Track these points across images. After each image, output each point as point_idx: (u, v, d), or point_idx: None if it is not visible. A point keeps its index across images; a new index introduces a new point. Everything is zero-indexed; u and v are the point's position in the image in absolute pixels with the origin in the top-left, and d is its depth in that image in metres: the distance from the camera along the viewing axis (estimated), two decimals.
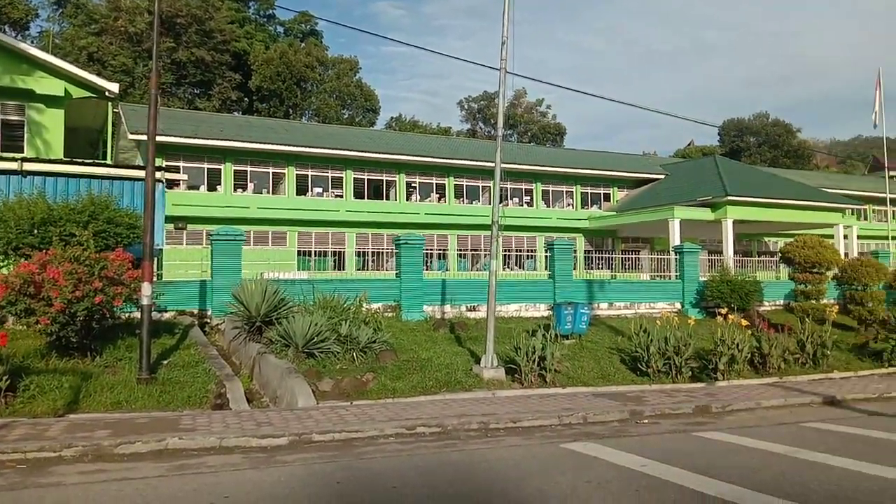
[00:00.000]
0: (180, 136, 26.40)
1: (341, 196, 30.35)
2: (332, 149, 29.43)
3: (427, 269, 23.57)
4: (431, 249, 26.50)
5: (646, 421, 10.16)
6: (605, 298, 19.36)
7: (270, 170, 29.27)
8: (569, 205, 34.86)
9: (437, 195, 32.56)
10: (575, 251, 30.00)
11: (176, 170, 24.87)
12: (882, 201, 40.58)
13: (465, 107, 67.42)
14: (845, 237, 32.82)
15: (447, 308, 17.45)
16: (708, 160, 37.70)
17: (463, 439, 8.88)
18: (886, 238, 38.91)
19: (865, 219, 43.01)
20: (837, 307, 19.88)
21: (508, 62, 14.00)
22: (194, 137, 26.84)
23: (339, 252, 27.39)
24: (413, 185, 32.08)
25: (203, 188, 28.17)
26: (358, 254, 28.94)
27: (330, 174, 30.27)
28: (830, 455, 7.71)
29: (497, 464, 7.55)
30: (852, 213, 36.80)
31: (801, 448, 8.09)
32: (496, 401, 11.33)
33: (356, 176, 30.66)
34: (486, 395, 11.80)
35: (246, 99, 52.00)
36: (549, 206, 34.39)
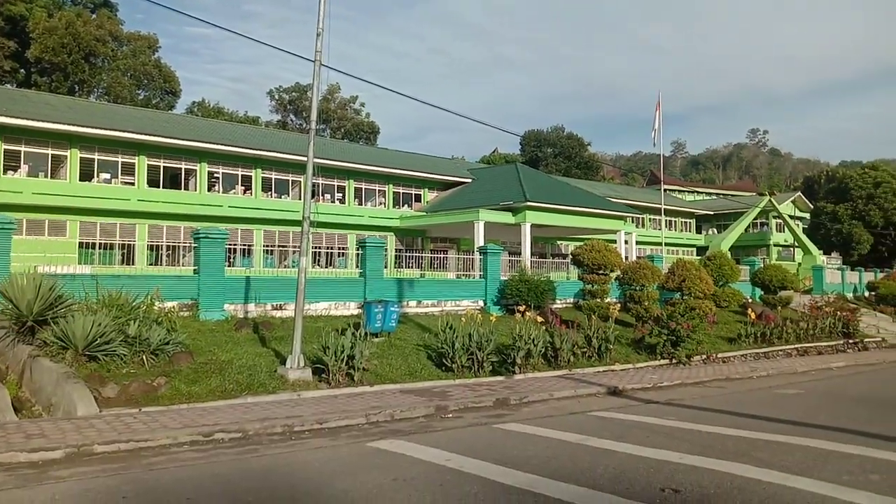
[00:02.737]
0: None
1: (133, 184, 27.84)
2: (124, 131, 26.91)
3: (230, 266, 22.40)
4: (235, 245, 25.26)
5: (450, 415, 10.41)
6: (415, 297, 19.65)
7: (49, 151, 26.08)
8: (381, 203, 35.05)
9: (243, 187, 31.08)
10: (386, 250, 30.29)
11: None
12: (657, 211, 45.66)
13: (276, 97, 65.30)
14: (626, 242, 36.38)
15: (251, 307, 16.66)
16: (510, 167, 39.87)
17: (266, 444, 8.47)
18: (660, 244, 43.81)
19: (643, 226, 48.09)
20: (619, 305, 21.91)
21: (323, 55, 13.74)
22: None
23: (129, 245, 25.12)
24: (216, 175, 30.33)
25: None
26: (151, 248, 26.73)
27: (120, 159, 27.65)
28: (614, 441, 8.39)
29: (301, 467, 7.27)
30: (632, 221, 40.88)
31: (590, 436, 8.72)
32: (302, 402, 10.98)
33: (151, 162, 28.31)
34: (291, 396, 11.39)
35: (22, 70, 46.00)
36: (361, 204, 34.32)
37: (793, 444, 8.24)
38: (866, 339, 25.67)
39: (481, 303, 21.18)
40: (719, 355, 19.27)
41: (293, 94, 63.75)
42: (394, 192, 35.32)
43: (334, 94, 64.07)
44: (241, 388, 11.44)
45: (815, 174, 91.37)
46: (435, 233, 35.45)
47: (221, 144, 29.51)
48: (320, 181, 32.52)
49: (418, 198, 36.42)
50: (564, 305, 23.06)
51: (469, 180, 37.49)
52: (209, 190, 30.02)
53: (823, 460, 7.46)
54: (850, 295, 37.26)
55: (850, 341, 24.67)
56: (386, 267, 24.42)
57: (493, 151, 75.72)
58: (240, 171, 30.81)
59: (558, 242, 41.70)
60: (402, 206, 35.68)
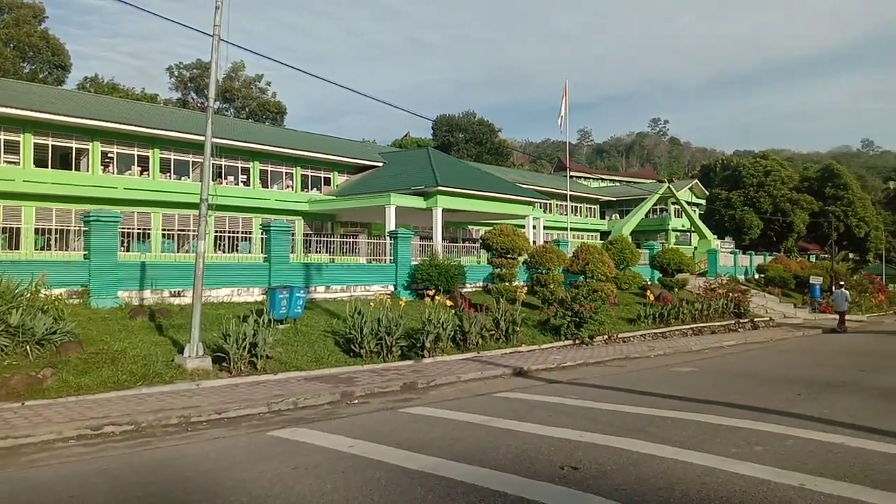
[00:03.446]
0: None
1: (17, 163, 25.87)
2: (7, 106, 24.90)
3: (126, 251, 21.25)
4: (131, 228, 23.94)
5: (356, 401, 10.27)
6: (323, 282, 19.29)
7: None
8: (288, 186, 34.14)
9: (140, 168, 29.50)
10: (294, 234, 29.54)
11: None
12: (564, 197, 46.80)
13: (176, 74, 62.28)
14: (534, 227, 37.04)
15: (147, 293, 15.87)
16: (422, 152, 39.77)
17: (160, 436, 8.08)
18: (566, 229, 44.96)
19: (551, 212, 49.17)
20: (526, 288, 22.31)
21: (223, 30, 13.17)
22: None
23: (13, 229, 23.37)
24: (110, 155, 28.63)
25: None
26: (39, 231, 24.99)
27: (3, 136, 25.63)
28: (518, 421, 8.51)
29: (197, 459, 6.97)
30: (541, 207, 41.67)
31: (494, 417, 8.81)
32: (200, 392, 10.55)
33: (38, 141, 26.38)
34: (189, 386, 10.92)
35: None
36: (267, 187, 33.28)
37: (686, 420, 8.61)
38: (756, 319, 27.32)
39: (391, 288, 21.05)
40: (620, 335, 19.98)
41: (194, 71, 60.99)
42: (302, 175, 34.47)
43: (238, 72, 61.79)
44: (135, 379, 10.89)
45: (712, 162, 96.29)
46: (345, 217, 34.93)
47: (116, 122, 27.85)
48: (223, 162, 31.33)
49: (328, 181, 35.73)
50: (474, 289, 23.27)
51: (380, 164, 37.11)
52: (103, 171, 28.33)
53: (713, 434, 7.82)
54: (741, 277, 39.53)
55: (741, 321, 26.19)
56: (294, 252, 23.88)
57: (406, 135, 75.45)
58: (136, 151, 29.21)
59: (469, 227, 42.04)
60: (311, 189, 34.91)
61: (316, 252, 24.48)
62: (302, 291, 15.54)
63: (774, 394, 10.96)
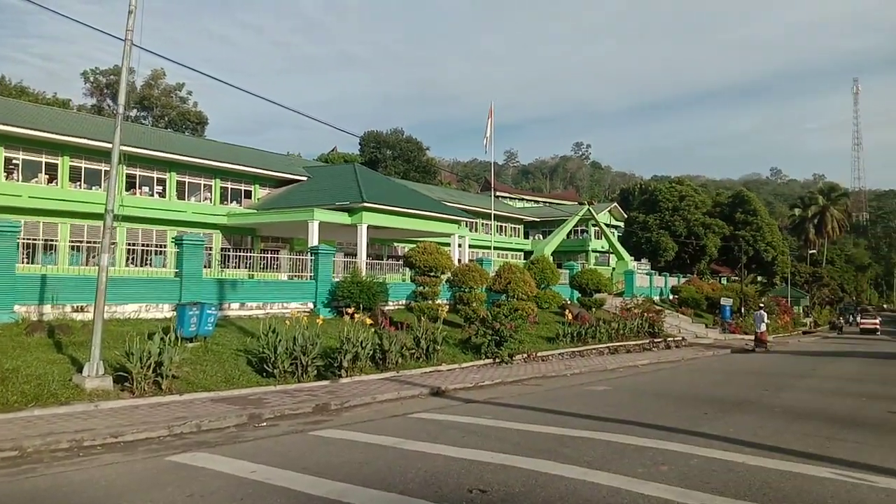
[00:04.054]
0: None
1: None
2: None
3: (29, 263, 20.05)
4: (35, 239, 22.63)
5: (264, 424, 9.88)
6: (238, 298, 18.68)
7: None
8: (206, 199, 33.09)
9: (48, 176, 27.97)
10: (210, 248, 28.61)
11: None
12: (489, 216, 47.30)
13: (91, 79, 59.72)
14: (460, 245, 37.24)
15: (48, 308, 14.94)
16: (348, 167, 39.42)
17: (46, 462, 7.52)
18: (491, 247, 45.39)
19: (476, 230, 49.61)
20: (448, 307, 22.31)
21: (136, 34, 12.70)
22: None
23: None
24: (15, 161, 27.02)
25: None
26: None
27: None
28: (430, 443, 8.37)
29: (84, 486, 6.51)
30: (466, 225, 42.00)
31: (407, 439, 8.64)
32: (98, 414, 9.93)
33: None
34: (87, 408, 10.26)
35: None
36: (184, 199, 32.15)
37: (596, 440, 8.68)
38: (669, 339, 28.21)
39: (311, 305, 20.61)
40: (539, 354, 20.19)
41: (111, 76, 58.59)
42: (221, 188, 33.48)
43: (158, 79, 59.83)
44: (27, 400, 10.15)
45: (630, 186, 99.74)
46: (266, 232, 34.11)
47: (21, 127, 26.32)
48: (138, 172, 30.12)
49: (249, 194, 34.85)
50: (397, 307, 23.08)
51: (305, 178, 36.51)
52: (7, 178, 26.70)
53: (621, 454, 7.91)
54: (656, 298, 40.85)
55: (655, 340, 26.99)
56: (210, 267, 23.09)
57: (332, 150, 74.72)
58: (44, 158, 27.68)
59: (395, 244, 41.86)
60: (231, 202, 33.95)
61: (234, 267, 23.73)
62: (213, 308, 14.96)
63: (682, 412, 11.24)
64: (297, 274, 22.71)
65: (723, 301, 39.13)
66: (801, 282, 70.35)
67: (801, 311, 63.04)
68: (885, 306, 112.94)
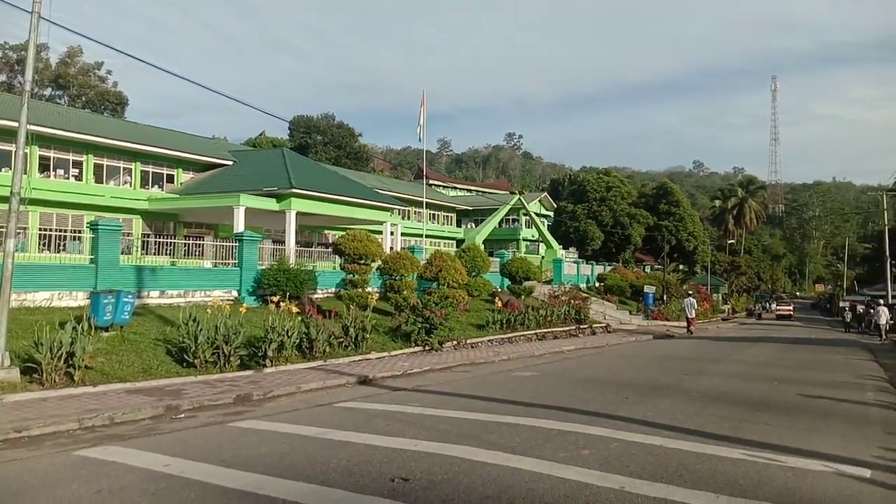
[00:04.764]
0: None
1: None
2: None
3: None
4: None
5: (182, 416, 9.53)
6: (158, 286, 17.98)
7: None
8: (126, 182, 31.68)
9: None
10: (129, 234, 27.44)
11: None
12: (422, 204, 47.18)
13: (0, 54, 56.21)
14: (392, 233, 36.99)
15: None
16: (276, 152, 38.48)
17: None
18: (422, 235, 45.34)
19: (409, 218, 49.41)
20: (379, 295, 22.13)
21: (45, 8, 12.03)
22: None
23: None
24: None
25: None
26: None
27: None
28: (355, 432, 8.25)
29: None
30: (399, 213, 41.77)
31: (331, 428, 8.49)
32: (1, 408, 9.35)
33: None
34: None
35: None
36: (102, 182, 30.70)
37: (521, 425, 8.75)
38: (594, 325, 28.88)
39: (235, 293, 20.06)
40: (469, 341, 20.29)
41: (22, 52, 55.27)
42: (142, 171, 32.09)
43: (74, 57, 56.77)
44: None
45: (560, 177, 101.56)
46: (190, 217, 32.95)
47: None
48: (52, 154, 28.55)
49: (171, 179, 33.55)
50: (326, 295, 22.74)
51: (230, 163, 35.41)
52: None
53: (545, 439, 7.99)
54: (583, 285, 41.76)
55: (581, 327, 27.57)
56: (130, 253, 22.17)
57: (260, 135, 72.86)
58: None
59: (325, 231, 41.23)
60: (152, 186, 32.60)
61: (156, 254, 22.81)
62: (130, 296, 14.34)
63: (605, 397, 11.48)
64: (221, 261, 22.02)
65: (646, 289, 40.36)
66: (721, 270, 73.39)
67: (721, 298, 65.74)
68: (797, 294, 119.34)
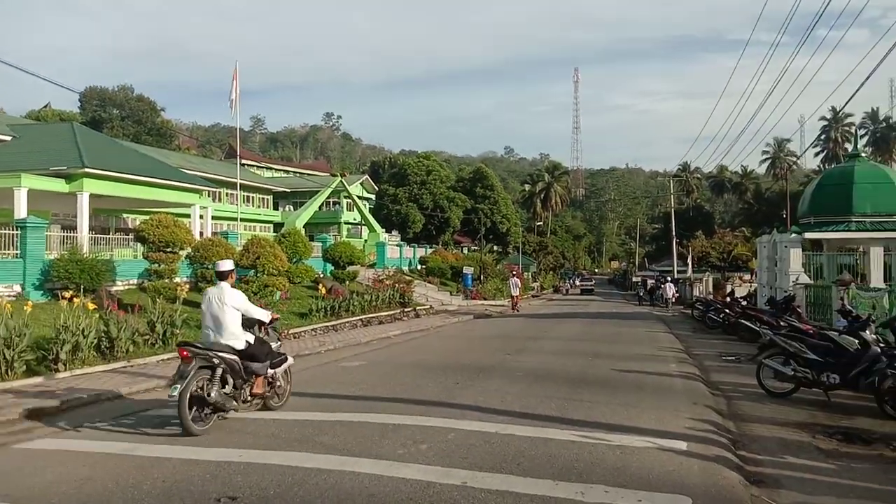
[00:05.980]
0: None
1: None
2: None
3: None
4: None
5: None
6: None
7: None
8: None
9: None
10: None
11: None
12: (235, 185, 44.71)
13: None
14: (201, 217, 34.57)
15: None
16: (65, 126, 34.34)
17: None
18: (236, 219, 43.05)
19: (220, 201, 46.64)
20: (190, 286, 20.49)
21: None
22: None
23: None
24: None
25: None
26: None
27: None
28: (168, 445, 7.38)
29: None
30: (209, 195, 39.14)
31: (140, 442, 7.53)
32: None
33: None
34: None
35: None
36: None
37: (354, 423, 8.36)
38: (418, 308, 29.18)
39: (18, 288, 17.55)
40: (291, 331, 19.46)
41: None
42: None
43: None
44: None
45: (381, 160, 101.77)
46: None
47: None
48: None
49: None
50: (128, 287, 20.66)
51: (9, 138, 30.96)
52: None
53: (381, 435, 7.67)
54: (406, 268, 42.09)
55: (406, 310, 27.72)
56: None
57: (45, 107, 64.86)
58: None
59: (126, 216, 37.66)
60: None
61: None
62: None
63: (436, 383, 11.41)
64: (3, 252, 19.15)
65: (465, 270, 41.62)
66: (531, 250, 78.03)
67: (531, 276, 69.82)
68: (596, 270, 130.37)
